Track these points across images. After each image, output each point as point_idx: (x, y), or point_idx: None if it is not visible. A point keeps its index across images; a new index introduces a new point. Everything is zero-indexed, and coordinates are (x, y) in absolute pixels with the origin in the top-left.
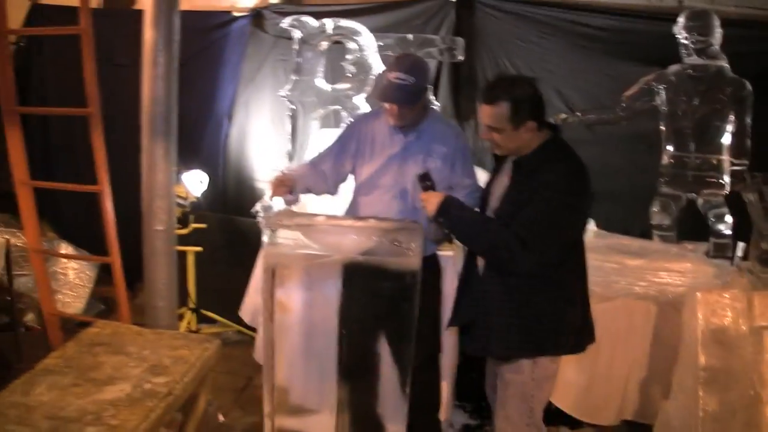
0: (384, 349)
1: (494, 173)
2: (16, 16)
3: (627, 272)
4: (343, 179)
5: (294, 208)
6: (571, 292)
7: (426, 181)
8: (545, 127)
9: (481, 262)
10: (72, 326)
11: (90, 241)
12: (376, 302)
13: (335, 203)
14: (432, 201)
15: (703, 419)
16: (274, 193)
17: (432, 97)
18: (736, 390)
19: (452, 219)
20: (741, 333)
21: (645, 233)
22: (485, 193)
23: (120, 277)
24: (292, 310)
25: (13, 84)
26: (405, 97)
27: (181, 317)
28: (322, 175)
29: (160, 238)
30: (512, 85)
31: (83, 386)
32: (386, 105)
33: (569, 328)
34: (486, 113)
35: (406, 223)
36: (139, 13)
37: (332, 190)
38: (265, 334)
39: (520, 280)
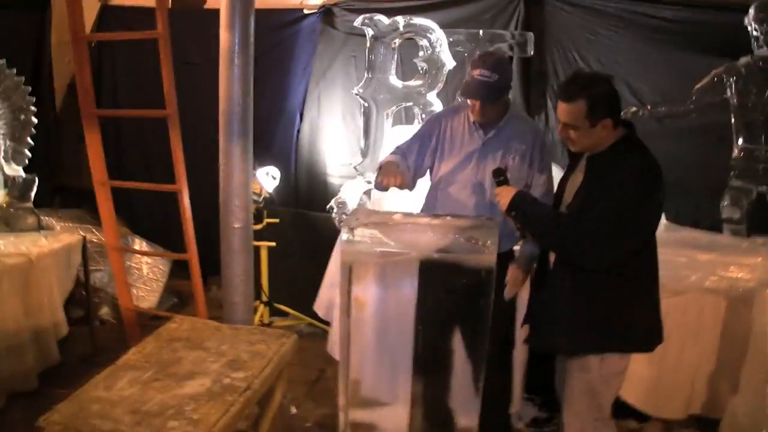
0: (458, 344)
1: (569, 169)
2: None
3: (697, 266)
4: (422, 174)
5: (368, 204)
6: (642, 290)
7: (500, 177)
8: (620, 125)
9: (552, 257)
10: (147, 320)
11: (162, 236)
12: (451, 298)
13: (411, 200)
14: (505, 195)
15: None
16: (387, 183)
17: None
18: None
19: (524, 213)
20: None
21: (715, 226)
22: (559, 189)
23: (197, 273)
24: (369, 306)
25: (92, 88)
26: (488, 93)
27: (254, 310)
28: (407, 169)
29: (238, 236)
30: (590, 82)
31: (164, 381)
32: (469, 101)
33: (638, 325)
34: (563, 110)
35: (482, 221)
36: (210, 13)
37: (411, 185)
38: (341, 329)
39: (590, 276)
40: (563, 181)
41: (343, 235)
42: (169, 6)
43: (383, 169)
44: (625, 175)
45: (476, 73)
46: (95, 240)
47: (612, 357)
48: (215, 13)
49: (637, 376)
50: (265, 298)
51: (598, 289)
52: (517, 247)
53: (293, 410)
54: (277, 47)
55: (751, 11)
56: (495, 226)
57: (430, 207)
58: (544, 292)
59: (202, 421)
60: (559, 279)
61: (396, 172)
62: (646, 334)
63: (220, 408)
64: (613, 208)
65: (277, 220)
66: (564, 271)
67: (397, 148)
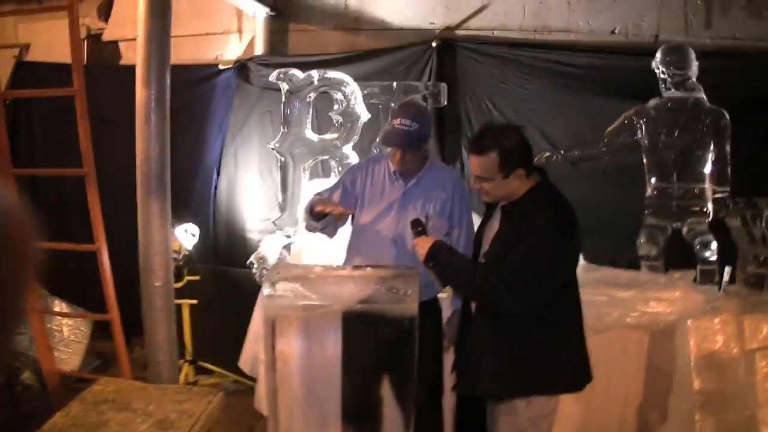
0: (387, 393)
1: (485, 217)
2: (2, 73)
3: (618, 304)
4: (343, 223)
5: (287, 258)
6: (564, 332)
7: (418, 227)
8: (534, 172)
9: (474, 304)
10: (70, 383)
11: (82, 297)
12: (376, 348)
13: (331, 253)
14: (422, 246)
15: None
16: (329, 210)
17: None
18: (732, 412)
19: (441, 264)
20: (733, 356)
21: (633, 264)
22: (477, 237)
23: (120, 334)
24: (294, 360)
25: (7, 145)
26: (409, 142)
27: (179, 369)
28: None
29: (159, 294)
30: (500, 134)
31: None
32: (390, 150)
33: (563, 367)
34: (475, 163)
35: (402, 270)
36: (126, 69)
37: (332, 233)
38: (267, 384)
39: (512, 321)
40: (480, 229)
41: (265, 290)
42: (85, 63)
43: (321, 200)
44: (540, 222)
45: (397, 122)
46: None
47: (538, 399)
48: (132, 69)
49: (566, 414)
50: (189, 357)
51: (520, 334)
52: (442, 295)
53: None
54: (194, 103)
55: (658, 55)
56: (415, 275)
57: (351, 257)
58: (468, 339)
59: None
60: (481, 326)
61: (333, 202)
62: (573, 375)
63: None
64: (529, 255)
65: (197, 278)
66: (486, 318)
67: (319, 193)
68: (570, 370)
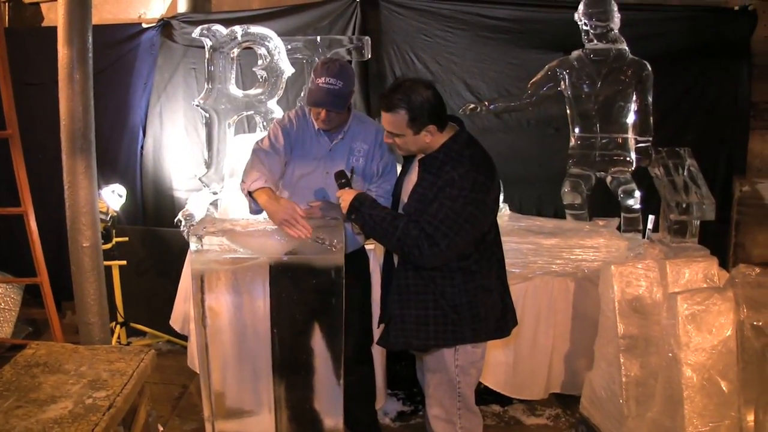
0: (317, 344)
1: (403, 170)
2: None
3: (543, 252)
4: (281, 178)
5: (215, 213)
6: (486, 280)
7: (341, 179)
8: (448, 125)
9: (396, 258)
10: (3, 351)
11: (10, 264)
12: (305, 299)
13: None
14: (345, 199)
15: (626, 384)
16: (298, 234)
17: None
18: (655, 354)
19: (363, 216)
20: (656, 300)
21: (559, 214)
22: (396, 189)
23: (50, 296)
24: (223, 315)
25: None
26: (335, 101)
27: (111, 331)
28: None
29: (87, 254)
30: (409, 91)
31: (25, 408)
32: (314, 109)
33: (487, 314)
34: (386, 120)
35: (328, 221)
36: (48, 31)
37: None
38: (198, 340)
39: (434, 272)
40: (399, 181)
41: (192, 245)
42: (6, 25)
43: (287, 222)
44: (455, 175)
45: (321, 81)
46: None
47: (465, 347)
48: (54, 30)
49: (495, 362)
50: (120, 319)
51: (442, 285)
52: (369, 247)
53: (160, 428)
54: (117, 62)
55: (581, 7)
56: (341, 226)
57: None
58: (391, 292)
59: None
60: (404, 278)
61: (298, 217)
62: (498, 321)
63: (85, 429)
64: (448, 208)
65: (126, 239)
66: (408, 270)
67: (259, 172)
68: (494, 316)
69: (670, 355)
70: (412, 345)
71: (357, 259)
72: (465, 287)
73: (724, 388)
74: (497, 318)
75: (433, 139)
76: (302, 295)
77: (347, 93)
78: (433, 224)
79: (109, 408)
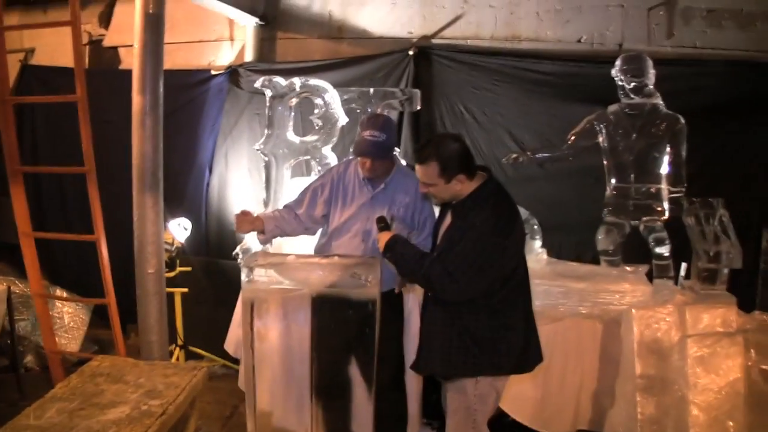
0: (354, 371)
1: (440, 216)
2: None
3: (572, 294)
4: (319, 222)
5: (269, 248)
6: (510, 319)
7: (381, 223)
8: (477, 173)
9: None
10: (70, 365)
11: (82, 287)
12: (342, 328)
13: (308, 246)
14: (382, 239)
15: (641, 422)
16: (238, 229)
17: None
18: (669, 394)
19: (396, 254)
20: (674, 343)
21: (596, 260)
22: (434, 233)
23: (116, 315)
24: (270, 339)
25: (17, 146)
26: (377, 152)
27: (170, 354)
28: (297, 218)
29: (151, 280)
30: (439, 144)
31: (88, 410)
32: (360, 158)
33: (509, 351)
34: (420, 172)
35: (365, 259)
36: (125, 73)
37: (309, 232)
38: (246, 361)
39: (460, 308)
40: (436, 226)
41: (243, 275)
42: (86, 67)
43: (236, 220)
44: (479, 220)
45: (366, 133)
46: (17, 291)
47: (485, 379)
48: (130, 73)
49: (525, 396)
50: (180, 342)
51: (467, 320)
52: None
53: None
54: (188, 105)
55: (617, 63)
56: (377, 263)
57: (323, 253)
58: (423, 323)
59: None
60: (432, 312)
61: (247, 221)
62: (518, 358)
63: (139, 430)
64: (470, 248)
65: (189, 269)
66: (436, 305)
67: (287, 203)
68: (514, 353)
69: (680, 394)
70: (437, 372)
71: (391, 298)
72: (489, 324)
73: (730, 429)
74: (518, 355)
75: (463, 186)
76: (340, 325)
77: (389, 144)
78: (455, 263)
79: (162, 414)
